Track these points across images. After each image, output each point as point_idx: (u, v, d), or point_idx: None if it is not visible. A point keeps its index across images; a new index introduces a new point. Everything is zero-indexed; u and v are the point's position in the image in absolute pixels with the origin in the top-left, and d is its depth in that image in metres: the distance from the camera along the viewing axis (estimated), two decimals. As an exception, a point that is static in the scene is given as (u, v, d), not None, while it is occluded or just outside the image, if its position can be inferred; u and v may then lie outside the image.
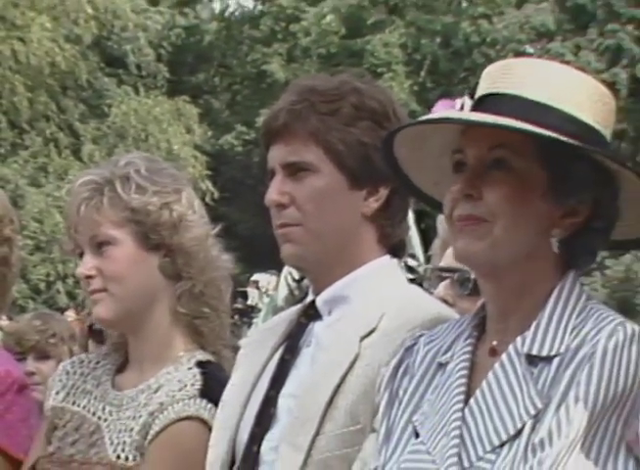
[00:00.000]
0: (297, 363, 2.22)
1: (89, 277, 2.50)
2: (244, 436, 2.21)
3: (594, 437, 1.80)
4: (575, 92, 1.94)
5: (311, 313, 2.24)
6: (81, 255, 2.53)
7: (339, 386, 2.09)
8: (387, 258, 2.24)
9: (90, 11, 21.40)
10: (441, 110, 2.14)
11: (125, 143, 21.75)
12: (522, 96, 1.92)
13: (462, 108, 2.04)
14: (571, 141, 1.88)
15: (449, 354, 1.98)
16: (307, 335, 2.23)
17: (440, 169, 1.99)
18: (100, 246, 2.50)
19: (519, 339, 1.89)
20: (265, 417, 2.19)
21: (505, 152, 1.90)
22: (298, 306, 2.32)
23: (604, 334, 1.83)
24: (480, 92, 1.98)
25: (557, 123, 1.89)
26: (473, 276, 2.69)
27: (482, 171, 1.91)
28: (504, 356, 1.89)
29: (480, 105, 1.95)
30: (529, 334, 1.89)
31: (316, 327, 2.23)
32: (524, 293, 1.92)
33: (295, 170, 2.19)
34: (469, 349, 1.96)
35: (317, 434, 2.08)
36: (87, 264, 2.50)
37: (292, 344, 2.24)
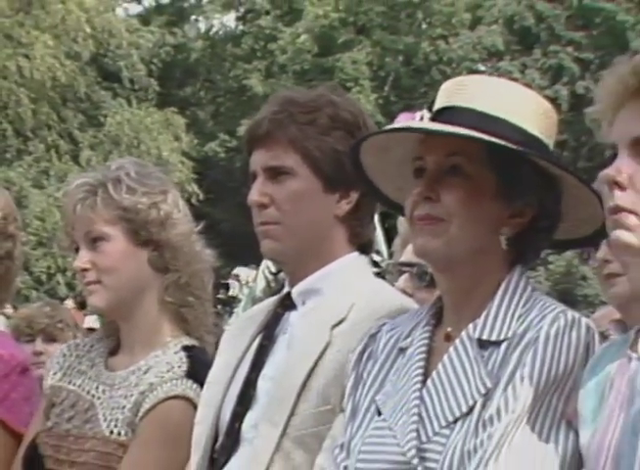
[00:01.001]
0: (274, 349, 2.21)
1: (85, 270, 2.49)
2: (226, 414, 2.20)
3: (538, 412, 1.80)
4: (521, 106, 1.94)
5: (287, 304, 2.24)
6: (77, 250, 2.52)
7: (312, 370, 2.09)
8: (356, 254, 2.24)
9: (88, 30, 21.32)
10: (403, 121, 2.14)
11: (119, 149, 21.67)
12: (474, 109, 1.92)
13: (421, 119, 2.05)
14: (516, 148, 1.88)
15: (409, 340, 1.98)
16: (284, 323, 2.23)
17: (402, 176, 2.00)
18: (94, 241, 2.49)
19: (470, 325, 1.89)
20: (246, 397, 2.18)
21: (460, 159, 1.91)
22: (276, 297, 2.31)
23: (547, 321, 1.83)
24: (437, 105, 1.98)
25: (505, 133, 1.90)
26: (429, 270, 2.71)
27: (440, 176, 1.91)
28: (457, 341, 1.90)
29: (438, 117, 1.95)
30: (480, 321, 1.89)
31: (291, 316, 2.22)
32: (475, 285, 1.92)
33: (275, 174, 2.18)
34: (426, 335, 1.96)
35: (292, 413, 2.08)
36: (83, 258, 2.49)
37: (269, 331, 2.23)
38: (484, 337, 1.88)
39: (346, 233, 2.22)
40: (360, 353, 2.03)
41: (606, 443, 1.66)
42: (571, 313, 1.86)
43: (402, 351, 1.98)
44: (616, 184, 1.63)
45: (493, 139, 1.87)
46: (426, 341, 1.95)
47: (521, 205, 1.92)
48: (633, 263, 1.69)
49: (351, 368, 2.03)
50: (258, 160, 2.20)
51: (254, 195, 2.20)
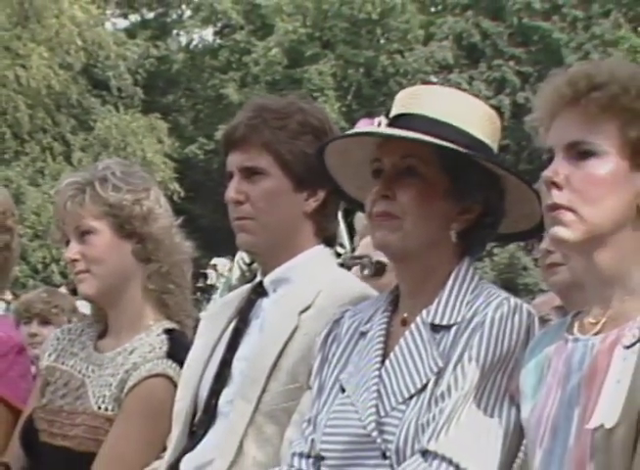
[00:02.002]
0: (248, 332, 2.20)
1: (75, 260, 2.47)
2: (204, 392, 2.19)
3: (484, 389, 1.80)
4: (469, 113, 1.94)
5: (260, 291, 2.23)
6: (68, 242, 2.50)
7: (282, 351, 2.08)
8: (321, 247, 2.23)
9: (80, 43, 21.17)
10: (363, 126, 2.13)
11: (108, 151, 21.53)
12: (426, 115, 1.92)
13: (379, 125, 2.02)
14: (463, 151, 1.87)
15: (369, 325, 1.97)
16: (256, 309, 2.21)
17: (361, 176, 1.99)
18: (83, 235, 2.47)
19: (424, 311, 1.89)
20: (222, 376, 2.17)
21: (414, 160, 1.90)
22: (249, 285, 2.30)
23: (492, 307, 1.84)
24: (393, 112, 1.97)
25: (454, 137, 1.89)
26: (373, 261, 2.74)
27: (396, 177, 1.90)
28: (413, 326, 1.89)
29: (394, 122, 1.94)
30: (433, 307, 1.89)
31: (263, 303, 2.21)
32: (428, 275, 1.92)
33: (249, 174, 2.17)
34: (385, 320, 1.95)
35: (264, 390, 2.07)
36: (72, 250, 2.47)
37: (243, 316, 2.22)
38: (437, 321, 1.88)
39: (313, 228, 2.21)
40: (325, 337, 2.02)
41: (544, 416, 1.66)
42: (513, 300, 1.86)
43: (363, 334, 1.97)
44: (553, 184, 1.63)
45: (443, 143, 1.87)
46: (384, 325, 1.94)
47: (469, 202, 1.91)
48: (572, 254, 1.69)
49: (318, 350, 2.02)
50: (234, 161, 2.19)
51: (231, 192, 2.18)
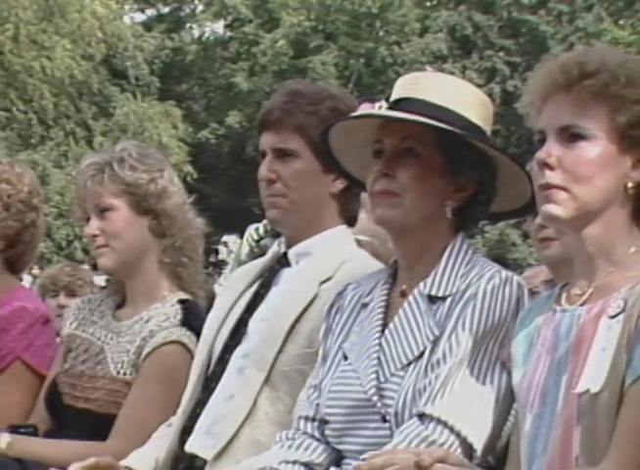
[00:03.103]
0: (267, 296, 2.18)
1: (95, 236, 2.46)
2: (218, 347, 2.18)
3: (477, 356, 1.79)
4: (464, 98, 1.92)
5: (283, 262, 2.21)
6: (88, 219, 2.49)
7: (300, 316, 2.06)
8: (344, 227, 2.22)
9: (100, 35, 21.09)
10: (364, 110, 2.10)
11: (127, 136, 21.45)
12: (425, 100, 1.89)
13: (380, 108, 2.00)
14: (460, 132, 1.86)
15: (370, 297, 1.95)
16: (278, 277, 2.20)
17: (363, 156, 1.96)
18: (102, 212, 2.45)
19: (421, 284, 1.87)
20: (238, 334, 2.16)
21: (413, 142, 1.88)
22: (270, 256, 2.28)
23: (484, 279, 1.82)
24: (393, 97, 1.94)
25: (450, 120, 1.87)
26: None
27: (396, 157, 1.88)
28: (410, 297, 1.88)
29: (395, 106, 1.92)
30: (429, 280, 1.87)
31: (285, 272, 2.20)
32: (425, 249, 1.90)
33: (282, 154, 2.15)
34: (385, 292, 1.93)
35: (280, 351, 2.05)
36: (93, 226, 2.46)
37: (265, 281, 2.21)
38: (433, 293, 1.86)
39: (338, 208, 2.20)
40: (330, 308, 2.00)
41: (534, 382, 1.65)
42: (504, 272, 1.85)
43: (365, 306, 1.96)
44: (546, 165, 1.62)
45: (440, 124, 1.85)
46: (384, 297, 1.93)
47: (463, 181, 1.89)
48: (573, 235, 1.67)
49: (322, 320, 2.00)
50: (268, 141, 2.17)
51: (264, 171, 2.16)
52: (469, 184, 1.90)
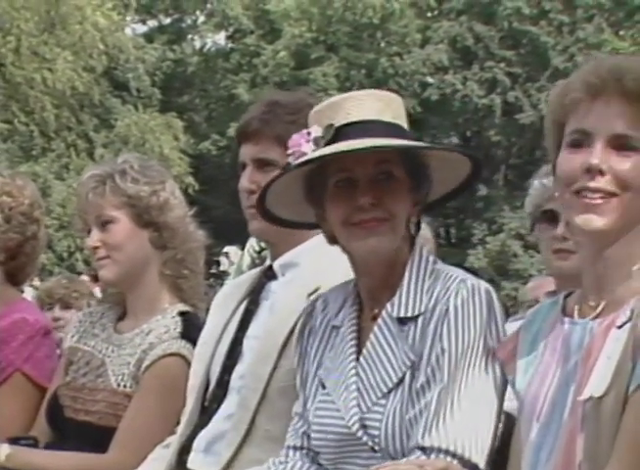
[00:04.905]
0: (258, 313, 2.18)
1: (96, 248, 2.46)
2: (216, 368, 2.17)
3: (462, 376, 1.76)
4: (389, 106, 1.85)
5: (269, 274, 2.20)
6: (89, 231, 2.49)
7: (291, 331, 2.05)
8: None
9: (102, 47, 21.13)
10: (299, 142, 1.88)
11: (128, 148, 21.47)
12: (370, 119, 1.82)
13: (315, 139, 1.83)
14: (429, 147, 1.81)
15: (340, 318, 1.89)
16: (266, 291, 2.19)
17: (292, 193, 1.87)
18: (104, 224, 2.46)
19: (388, 305, 1.83)
20: (234, 353, 2.16)
21: (389, 165, 1.82)
22: (259, 269, 2.28)
23: (451, 293, 1.77)
24: (337, 122, 1.83)
25: (405, 134, 1.82)
26: None
27: (374, 183, 1.81)
28: (380, 320, 1.83)
29: (341, 134, 1.81)
30: (396, 300, 1.82)
31: (273, 286, 2.19)
32: (391, 269, 1.84)
33: (262, 165, 2.15)
34: (354, 314, 1.88)
35: (275, 367, 2.05)
36: (94, 238, 2.46)
37: (254, 297, 2.20)
38: (402, 314, 1.81)
39: None
40: (301, 330, 1.96)
41: (543, 392, 1.64)
42: (470, 281, 1.80)
43: (335, 328, 1.90)
44: (599, 171, 1.57)
45: (418, 144, 1.81)
46: (355, 320, 1.88)
47: (422, 195, 1.85)
48: (584, 244, 1.64)
49: (295, 344, 1.96)
50: (248, 152, 2.17)
51: (245, 182, 2.16)
52: (425, 197, 1.86)
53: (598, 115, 1.59)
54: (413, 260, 1.85)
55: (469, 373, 1.76)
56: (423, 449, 1.74)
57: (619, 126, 1.58)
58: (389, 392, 1.78)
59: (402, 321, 1.81)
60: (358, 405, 1.80)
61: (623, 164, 1.58)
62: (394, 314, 1.82)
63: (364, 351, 1.84)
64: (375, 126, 1.82)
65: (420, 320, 1.80)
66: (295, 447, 1.91)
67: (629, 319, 1.56)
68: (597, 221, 1.58)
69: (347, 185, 1.82)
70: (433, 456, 1.72)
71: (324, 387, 1.88)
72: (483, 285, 1.81)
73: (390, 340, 1.81)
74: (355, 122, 1.83)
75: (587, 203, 1.59)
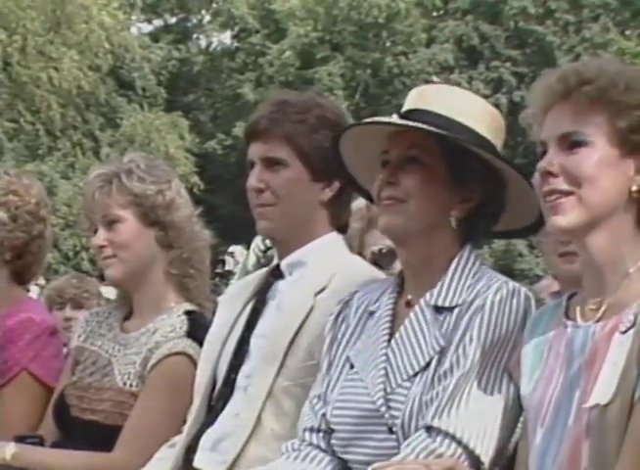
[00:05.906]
0: (265, 312, 2.18)
1: (102, 247, 2.46)
2: (223, 367, 2.18)
3: (484, 368, 1.79)
4: (470, 109, 1.93)
5: (277, 274, 2.20)
6: (95, 231, 2.49)
7: (298, 329, 2.06)
8: (335, 234, 2.21)
9: (107, 46, 21.17)
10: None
11: (134, 147, 21.49)
12: (432, 111, 1.90)
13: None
14: (460, 139, 1.86)
15: (377, 305, 1.95)
16: (273, 290, 2.19)
17: (373, 169, 1.97)
18: (110, 223, 2.46)
19: (427, 294, 1.87)
20: (241, 352, 2.16)
21: (417, 150, 1.89)
22: (266, 269, 2.28)
23: (492, 290, 1.82)
24: (404, 108, 1.96)
25: (455, 130, 1.88)
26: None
27: (401, 165, 1.89)
28: (417, 307, 1.88)
29: (404, 118, 1.93)
30: (436, 290, 1.87)
31: (280, 285, 2.19)
32: (430, 259, 1.90)
33: (270, 164, 2.15)
34: (391, 301, 1.93)
35: (282, 366, 2.05)
36: (100, 237, 2.46)
37: (261, 297, 2.20)
38: (439, 303, 1.86)
39: (328, 216, 2.19)
40: (335, 318, 2.00)
41: (547, 396, 1.65)
42: (512, 284, 1.85)
43: (371, 314, 1.96)
44: (549, 173, 1.62)
45: (442, 132, 1.86)
46: (391, 306, 1.93)
47: (467, 192, 1.90)
48: (580, 246, 1.67)
49: (328, 330, 2.00)
50: (256, 151, 2.17)
51: (253, 181, 2.16)
52: (473, 195, 1.90)
53: (550, 123, 1.66)
54: (461, 257, 1.90)
55: (493, 368, 1.78)
56: (430, 430, 1.76)
57: (565, 126, 1.63)
58: (415, 375, 1.82)
59: (439, 310, 1.86)
60: (383, 385, 1.83)
61: (571, 161, 1.62)
62: (432, 302, 1.86)
63: (397, 334, 1.88)
64: (432, 117, 1.88)
65: (456, 311, 1.84)
66: (311, 429, 1.93)
67: (633, 325, 1.57)
68: (560, 221, 1.62)
69: (385, 166, 1.92)
70: (438, 439, 1.75)
71: (352, 367, 1.92)
72: (525, 291, 1.85)
73: (424, 326, 1.85)
74: (419, 110, 1.90)
75: (550, 206, 1.63)
